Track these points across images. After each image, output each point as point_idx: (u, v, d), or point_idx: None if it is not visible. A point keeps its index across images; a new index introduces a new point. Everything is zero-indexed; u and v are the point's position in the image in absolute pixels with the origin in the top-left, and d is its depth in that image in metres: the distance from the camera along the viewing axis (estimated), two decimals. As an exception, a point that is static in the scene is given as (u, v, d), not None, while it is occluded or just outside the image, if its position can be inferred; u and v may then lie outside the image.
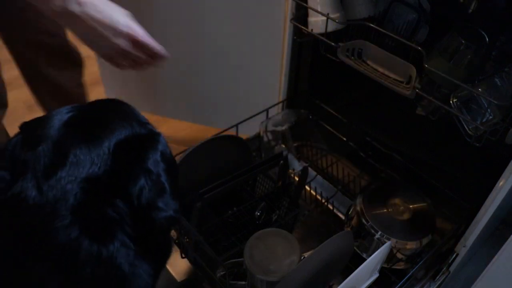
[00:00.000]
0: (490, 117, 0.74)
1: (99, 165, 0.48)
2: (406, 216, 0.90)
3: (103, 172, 0.48)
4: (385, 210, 0.91)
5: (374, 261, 0.76)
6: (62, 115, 0.53)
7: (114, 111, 0.57)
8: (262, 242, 0.76)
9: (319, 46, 0.94)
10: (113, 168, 0.49)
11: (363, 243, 0.91)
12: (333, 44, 0.88)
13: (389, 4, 0.86)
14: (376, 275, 0.82)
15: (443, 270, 0.90)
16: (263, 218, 0.90)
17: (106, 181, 0.48)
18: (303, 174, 0.95)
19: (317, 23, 0.90)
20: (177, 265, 0.93)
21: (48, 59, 1.20)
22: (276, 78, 1.20)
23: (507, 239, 0.78)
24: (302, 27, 0.94)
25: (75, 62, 1.26)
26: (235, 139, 0.97)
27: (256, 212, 0.90)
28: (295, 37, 1.02)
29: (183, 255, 0.88)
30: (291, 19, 0.97)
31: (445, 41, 0.79)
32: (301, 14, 0.95)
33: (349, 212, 0.97)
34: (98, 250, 0.46)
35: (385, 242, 0.82)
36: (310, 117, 1.17)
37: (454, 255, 0.89)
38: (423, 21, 0.84)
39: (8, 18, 1.09)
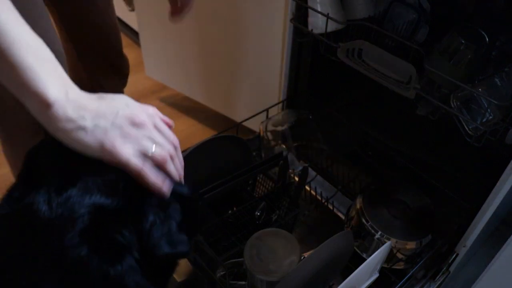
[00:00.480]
0: (490, 117, 0.74)
1: (107, 195, 0.48)
2: (406, 216, 0.90)
3: (110, 202, 0.48)
4: (385, 210, 0.91)
5: (374, 261, 0.76)
6: None
7: None
8: (262, 242, 0.76)
9: (319, 46, 0.94)
10: (123, 202, 0.49)
11: (363, 243, 0.91)
12: (333, 44, 0.88)
13: (389, 4, 0.86)
14: (376, 275, 0.82)
15: (443, 270, 0.90)
16: (263, 218, 0.90)
17: (114, 212, 0.48)
18: (303, 174, 0.95)
19: (317, 23, 0.90)
20: (177, 265, 0.94)
21: (101, 67, 1.13)
22: (276, 78, 1.20)
23: (507, 239, 0.78)
24: (302, 27, 0.94)
25: (123, 73, 1.20)
26: (235, 139, 0.97)
27: (256, 212, 0.90)
28: (295, 37, 1.02)
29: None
30: (291, 19, 0.97)
31: (445, 41, 0.79)
32: (301, 14, 0.95)
33: (349, 212, 0.97)
34: (107, 269, 0.47)
35: (385, 242, 0.83)
36: (310, 117, 1.17)
37: (454, 255, 0.89)
38: (423, 21, 0.84)
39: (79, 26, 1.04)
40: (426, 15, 0.85)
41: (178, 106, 1.73)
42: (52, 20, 0.96)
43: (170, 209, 0.52)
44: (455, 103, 0.77)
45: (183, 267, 0.94)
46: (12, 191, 0.49)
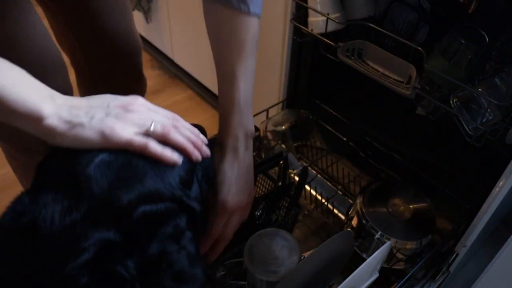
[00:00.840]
0: (490, 117, 0.74)
1: (116, 228, 0.46)
2: (406, 216, 0.90)
3: (118, 236, 0.46)
4: (385, 210, 0.91)
5: (374, 261, 0.76)
6: (94, 155, 0.48)
7: (150, 168, 0.50)
8: (262, 242, 0.76)
9: (319, 46, 0.94)
10: (132, 233, 0.47)
11: (363, 243, 0.91)
12: (333, 44, 0.88)
13: (389, 4, 0.86)
14: (376, 275, 0.82)
15: (443, 270, 0.90)
16: (263, 218, 0.90)
17: (121, 244, 0.46)
18: (303, 174, 0.95)
19: (317, 23, 0.90)
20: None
21: (115, 87, 1.01)
22: (276, 78, 1.20)
23: (507, 239, 0.78)
24: (302, 27, 0.94)
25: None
26: None
27: (256, 212, 0.90)
28: (295, 37, 1.02)
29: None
30: (291, 19, 0.97)
31: (445, 41, 0.79)
32: (301, 14, 0.95)
33: (349, 212, 0.97)
34: None
35: (385, 242, 0.82)
36: (310, 117, 1.17)
37: (454, 255, 0.89)
38: (423, 21, 0.84)
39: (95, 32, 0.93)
40: (426, 15, 0.85)
41: (177, 107, 1.73)
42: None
43: (184, 239, 0.50)
44: (455, 103, 0.77)
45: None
46: (16, 203, 0.48)
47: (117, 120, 0.49)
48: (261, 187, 1.00)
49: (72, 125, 0.47)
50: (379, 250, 0.76)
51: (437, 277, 0.90)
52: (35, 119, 0.46)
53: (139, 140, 0.49)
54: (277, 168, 0.96)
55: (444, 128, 0.94)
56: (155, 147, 0.50)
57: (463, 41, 0.76)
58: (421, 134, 1.07)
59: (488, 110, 0.74)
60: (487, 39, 0.75)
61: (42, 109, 0.46)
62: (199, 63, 1.64)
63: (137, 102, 0.52)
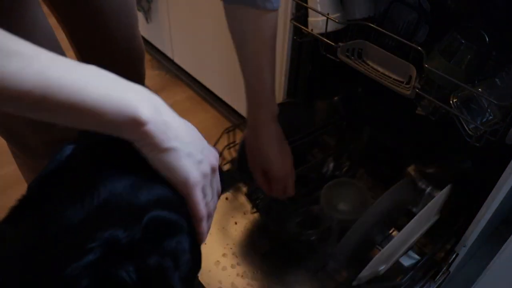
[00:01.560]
0: (490, 117, 0.74)
1: (126, 226, 0.44)
2: (450, 176, 0.98)
3: (127, 235, 0.44)
4: (433, 170, 0.99)
5: (438, 200, 0.84)
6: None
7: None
8: (336, 189, 0.90)
9: (319, 46, 0.94)
10: (139, 235, 0.45)
11: (414, 198, 0.97)
12: (333, 44, 0.88)
13: (389, 4, 0.86)
14: (436, 217, 0.88)
15: (443, 270, 0.90)
16: (329, 174, 1.01)
17: (127, 244, 0.44)
18: (364, 134, 1.05)
19: (317, 23, 0.90)
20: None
21: None
22: (276, 78, 1.20)
23: (507, 239, 0.78)
24: (302, 27, 0.94)
25: None
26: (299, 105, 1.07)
27: (324, 169, 1.01)
28: (295, 37, 1.02)
29: (255, 209, 0.97)
30: (291, 19, 0.97)
31: (445, 41, 0.79)
32: (301, 14, 0.95)
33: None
34: None
35: (434, 196, 0.88)
36: (360, 89, 1.17)
37: (454, 255, 0.89)
38: (423, 21, 0.84)
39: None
40: (426, 15, 0.85)
41: (177, 107, 1.73)
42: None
43: (182, 261, 0.48)
44: (455, 103, 0.77)
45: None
46: (25, 196, 0.47)
47: (202, 175, 0.44)
48: (321, 150, 1.10)
49: (168, 144, 0.40)
50: (441, 193, 0.84)
51: (437, 277, 0.90)
52: (132, 124, 0.37)
53: (202, 210, 0.45)
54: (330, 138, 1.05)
55: (444, 128, 0.94)
56: (204, 226, 0.47)
57: (463, 41, 0.76)
58: (421, 134, 1.07)
59: (488, 110, 0.74)
60: (487, 39, 0.76)
61: (141, 112, 0.37)
62: (199, 63, 1.64)
63: (215, 157, 0.48)
